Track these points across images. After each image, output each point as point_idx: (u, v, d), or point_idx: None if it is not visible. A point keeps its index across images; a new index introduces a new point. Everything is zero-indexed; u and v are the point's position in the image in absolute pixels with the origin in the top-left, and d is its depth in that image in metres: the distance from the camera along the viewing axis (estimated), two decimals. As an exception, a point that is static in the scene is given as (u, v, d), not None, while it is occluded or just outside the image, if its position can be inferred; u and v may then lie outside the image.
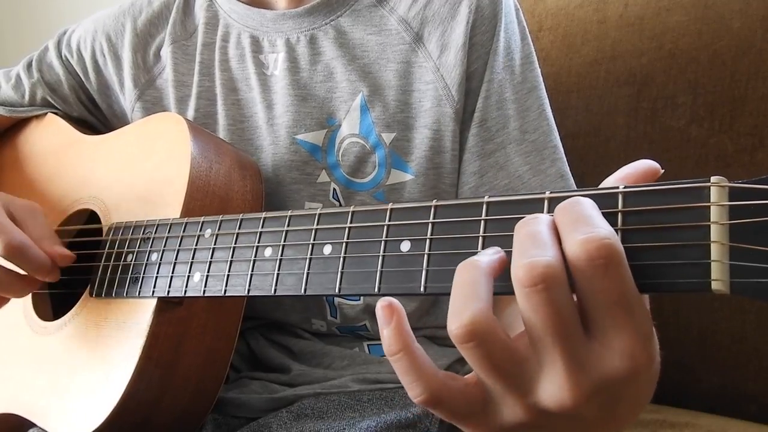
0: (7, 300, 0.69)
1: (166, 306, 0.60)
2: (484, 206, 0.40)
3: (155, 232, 0.62)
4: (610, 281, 0.32)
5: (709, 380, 0.86)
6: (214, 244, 0.55)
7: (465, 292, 0.34)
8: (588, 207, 0.34)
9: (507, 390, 0.35)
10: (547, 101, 0.74)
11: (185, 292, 0.56)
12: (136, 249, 0.63)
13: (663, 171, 0.37)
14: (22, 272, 0.64)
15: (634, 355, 0.33)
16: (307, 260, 0.47)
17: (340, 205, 0.74)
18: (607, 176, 0.40)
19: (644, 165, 0.38)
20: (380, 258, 0.43)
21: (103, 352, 0.63)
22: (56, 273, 0.65)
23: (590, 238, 0.32)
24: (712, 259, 0.32)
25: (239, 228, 0.54)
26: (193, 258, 0.57)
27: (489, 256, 0.36)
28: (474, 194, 0.72)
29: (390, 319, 0.36)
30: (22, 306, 0.75)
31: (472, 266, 0.35)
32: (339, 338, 0.77)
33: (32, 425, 0.68)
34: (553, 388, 0.34)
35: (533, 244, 0.34)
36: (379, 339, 0.75)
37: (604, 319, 0.33)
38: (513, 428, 0.36)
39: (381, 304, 0.36)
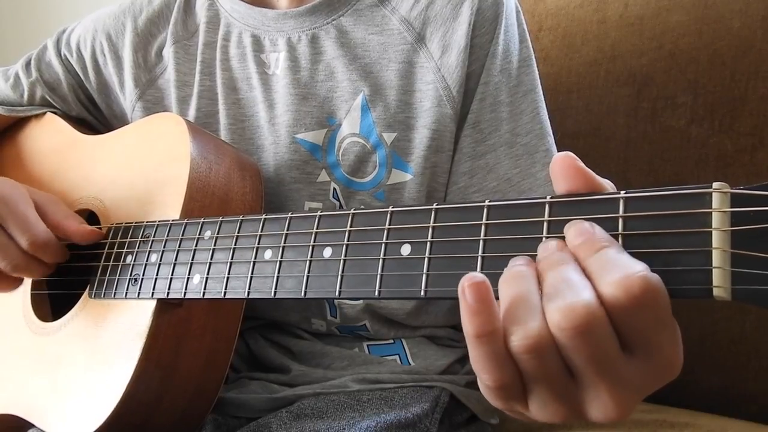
0: (21, 280, 0.72)
1: (165, 307, 0.60)
2: (485, 210, 0.40)
3: (155, 233, 0.62)
4: (654, 311, 0.32)
5: (709, 380, 0.86)
6: (214, 246, 0.55)
7: (524, 304, 0.34)
8: (614, 246, 0.34)
9: (552, 397, 0.35)
10: (542, 105, 0.73)
11: (185, 293, 0.56)
12: (136, 250, 0.63)
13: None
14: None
15: (674, 362, 0.34)
16: (307, 263, 0.47)
17: (341, 205, 0.74)
18: (608, 177, 0.39)
19: (560, 162, 0.38)
20: (380, 261, 0.43)
21: (102, 353, 0.63)
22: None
23: (628, 275, 0.32)
24: (713, 265, 0.32)
25: (239, 230, 0.54)
26: (192, 259, 0.57)
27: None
28: (462, 194, 0.72)
29: (481, 302, 0.34)
30: (21, 307, 0.75)
31: (522, 277, 0.35)
32: (339, 338, 0.77)
33: (31, 426, 0.68)
34: (599, 408, 0.34)
35: (566, 284, 0.33)
36: (379, 339, 0.76)
37: (646, 343, 0.33)
38: (552, 419, 0.36)
39: (467, 283, 0.34)
